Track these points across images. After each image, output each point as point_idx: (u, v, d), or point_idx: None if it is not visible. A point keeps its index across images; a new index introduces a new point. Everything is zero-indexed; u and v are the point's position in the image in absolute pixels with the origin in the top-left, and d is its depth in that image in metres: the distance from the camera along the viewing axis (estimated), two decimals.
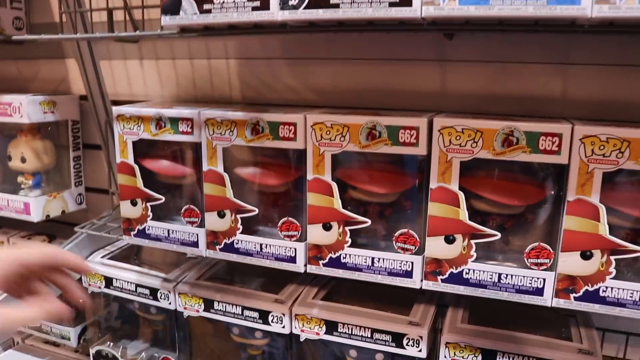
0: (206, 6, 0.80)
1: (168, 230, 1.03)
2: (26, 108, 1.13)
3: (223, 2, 0.79)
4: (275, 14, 0.76)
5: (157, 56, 1.18)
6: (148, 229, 1.05)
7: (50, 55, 1.32)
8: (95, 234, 1.23)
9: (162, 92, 1.20)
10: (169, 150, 1.05)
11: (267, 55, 1.09)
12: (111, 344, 1.24)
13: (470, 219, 0.80)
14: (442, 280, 0.84)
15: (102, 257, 1.24)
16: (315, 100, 1.07)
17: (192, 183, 1.02)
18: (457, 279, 0.83)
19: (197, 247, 1.01)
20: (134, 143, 1.01)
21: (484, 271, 0.81)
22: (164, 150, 1.05)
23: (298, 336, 0.99)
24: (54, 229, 1.40)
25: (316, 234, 0.89)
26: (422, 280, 0.86)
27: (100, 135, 1.27)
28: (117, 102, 1.27)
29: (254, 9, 0.77)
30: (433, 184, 0.81)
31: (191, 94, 1.18)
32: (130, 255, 1.31)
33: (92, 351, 1.25)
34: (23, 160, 1.20)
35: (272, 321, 0.99)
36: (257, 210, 0.94)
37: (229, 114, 0.91)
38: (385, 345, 0.93)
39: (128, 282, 1.16)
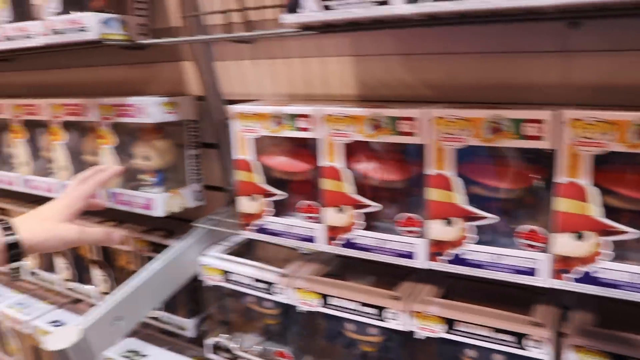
0: (328, 3, 0.81)
1: (286, 226, 1.06)
2: (150, 109, 1.20)
3: None
4: (398, 7, 0.75)
5: (271, 56, 1.22)
6: (266, 224, 1.08)
7: (167, 59, 1.40)
8: (213, 229, 1.29)
9: (275, 91, 1.24)
10: (286, 146, 1.07)
11: (381, 52, 1.10)
12: (227, 336, 1.29)
13: (601, 215, 0.77)
14: (573, 280, 0.80)
15: (219, 251, 1.30)
16: (430, 96, 1.07)
17: (309, 179, 1.04)
18: (587, 278, 0.79)
19: (316, 242, 1.02)
20: (251, 140, 1.04)
21: (617, 270, 0.77)
22: (281, 147, 1.08)
23: (414, 334, 0.99)
24: (172, 224, 1.48)
25: (437, 229, 0.88)
26: (549, 279, 0.82)
27: (216, 133, 1.32)
28: (231, 102, 1.32)
29: (377, 3, 0.77)
30: (560, 179, 0.78)
31: (304, 92, 1.20)
32: (244, 250, 1.36)
33: (208, 342, 1.31)
34: (146, 158, 1.27)
35: (388, 318, 1.00)
36: (377, 206, 0.95)
37: (349, 110, 0.93)
38: (505, 345, 0.91)
39: (245, 276, 1.20)
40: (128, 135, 1.32)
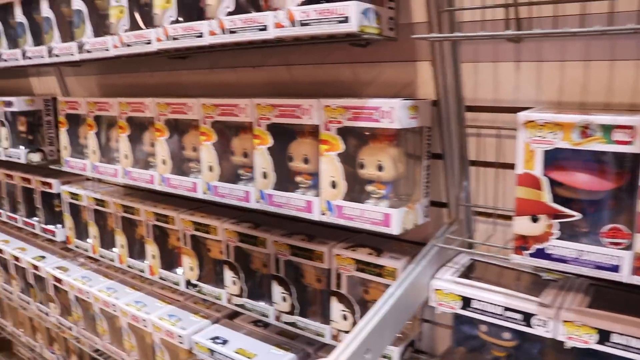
0: None
1: (579, 252, 0.90)
2: (397, 113, 1.06)
3: None
4: None
5: (540, 58, 1.07)
6: (550, 249, 0.93)
7: (397, 58, 1.26)
8: (445, 248, 1.15)
9: (538, 97, 1.09)
10: (579, 160, 0.92)
11: None
12: None
13: None
14: None
15: (451, 274, 1.15)
16: None
17: (606, 198, 0.91)
18: None
19: (620, 272, 0.87)
20: (541, 152, 0.92)
21: None
22: (574, 161, 0.92)
23: None
24: (376, 241, 1.34)
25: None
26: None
27: (443, 142, 1.18)
28: (471, 108, 1.18)
29: None
30: None
31: (577, 100, 1.04)
32: (470, 273, 1.21)
33: None
34: (380, 168, 1.14)
35: None
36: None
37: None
38: None
39: (492, 304, 1.05)
40: (355, 140, 1.18)
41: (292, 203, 1.29)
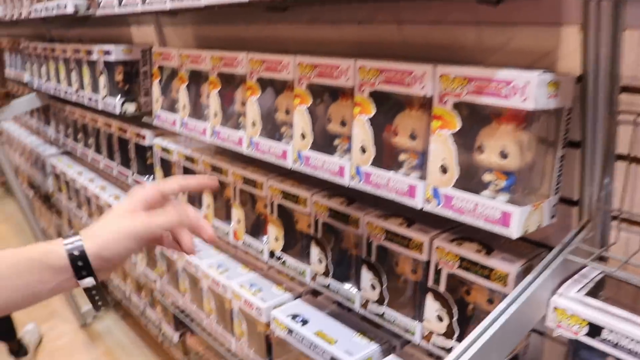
0: None
1: None
2: (534, 89, 0.84)
3: None
4: None
5: None
6: None
7: (535, 20, 1.02)
8: (578, 261, 0.93)
9: None
10: None
11: None
12: None
13: None
14: None
15: (579, 291, 0.93)
16: None
17: None
18: None
19: None
20: None
21: None
22: None
23: None
24: (485, 234, 1.13)
25: None
26: None
27: (591, 129, 0.94)
28: (628, 89, 0.93)
29: None
30: None
31: None
32: (599, 291, 0.98)
33: None
34: (503, 155, 0.93)
35: None
36: None
37: None
38: None
39: (634, 340, 0.83)
40: (473, 120, 0.97)
41: (392, 185, 1.11)
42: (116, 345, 3.24)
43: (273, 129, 1.45)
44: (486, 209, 0.94)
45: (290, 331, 1.52)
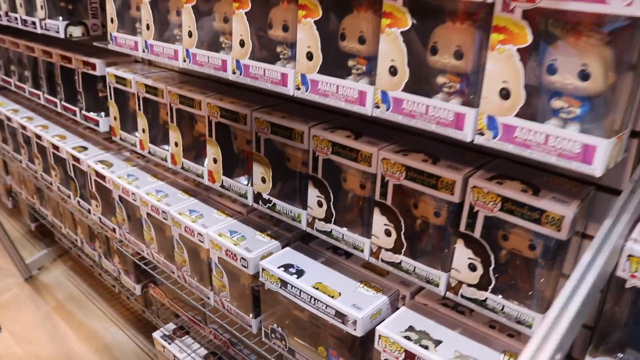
0: None
1: None
2: None
3: None
4: None
5: None
6: None
7: None
8: None
9: None
10: None
11: None
12: None
13: None
14: None
15: None
16: None
17: None
18: None
19: None
20: None
21: None
22: None
23: None
24: (522, 170, 0.98)
25: None
26: None
27: None
28: None
29: None
30: None
31: None
32: None
33: None
34: (583, 75, 0.75)
35: None
36: None
37: None
38: None
39: None
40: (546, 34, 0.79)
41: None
42: (67, 298, 3.00)
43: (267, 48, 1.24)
44: (561, 142, 0.77)
45: (284, 283, 1.34)
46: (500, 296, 1.01)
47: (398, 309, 1.24)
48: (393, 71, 0.94)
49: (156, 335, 2.15)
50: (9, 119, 2.63)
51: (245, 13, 1.17)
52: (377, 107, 0.98)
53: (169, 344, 2.09)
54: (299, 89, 1.10)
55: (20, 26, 2.07)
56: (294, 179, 1.37)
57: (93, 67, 1.91)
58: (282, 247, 1.49)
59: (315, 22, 1.04)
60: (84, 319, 2.82)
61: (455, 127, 0.88)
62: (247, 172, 1.49)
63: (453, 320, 1.20)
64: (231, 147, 1.50)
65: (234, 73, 1.23)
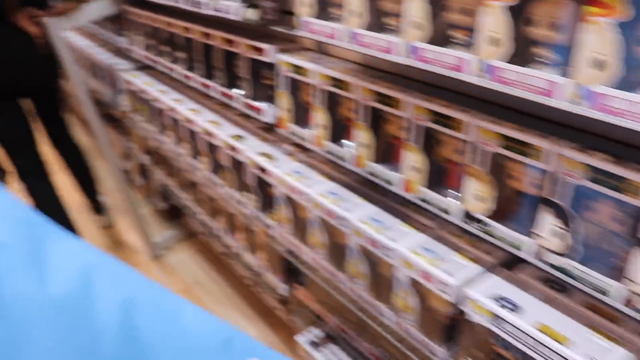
0: None
1: None
2: None
3: None
4: None
5: None
6: None
7: None
8: None
9: None
10: None
11: None
12: None
13: None
14: None
15: None
16: None
17: None
18: None
19: None
20: None
21: None
22: None
23: None
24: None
25: None
26: None
27: None
28: None
29: None
30: None
31: None
32: None
33: None
34: None
35: None
36: None
37: None
38: None
39: None
40: None
41: None
42: (194, 282, 2.96)
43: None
44: None
45: (497, 318, 1.14)
46: None
47: None
48: None
49: (301, 340, 2.02)
50: (156, 99, 2.58)
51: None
52: None
53: (316, 350, 1.95)
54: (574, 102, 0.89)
55: (190, 8, 1.98)
56: (516, 200, 1.17)
57: (261, 52, 1.78)
58: (484, 273, 1.29)
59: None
60: (209, 304, 2.77)
61: None
62: (452, 186, 1.29)
63: None
64: (436, 155, 1.31)
65: (479, 77, 1.02)
